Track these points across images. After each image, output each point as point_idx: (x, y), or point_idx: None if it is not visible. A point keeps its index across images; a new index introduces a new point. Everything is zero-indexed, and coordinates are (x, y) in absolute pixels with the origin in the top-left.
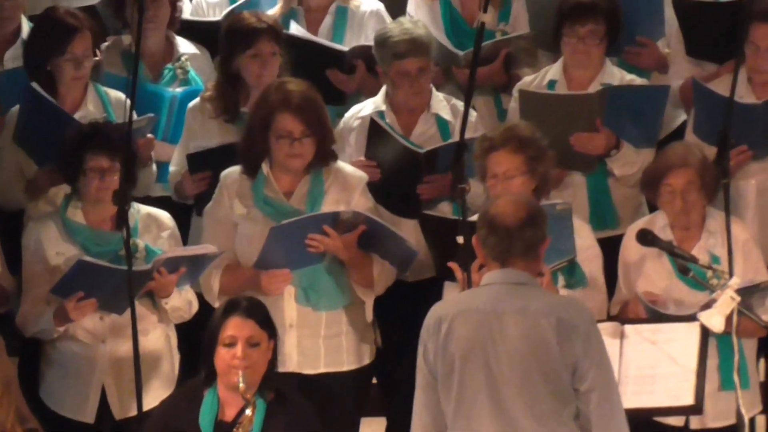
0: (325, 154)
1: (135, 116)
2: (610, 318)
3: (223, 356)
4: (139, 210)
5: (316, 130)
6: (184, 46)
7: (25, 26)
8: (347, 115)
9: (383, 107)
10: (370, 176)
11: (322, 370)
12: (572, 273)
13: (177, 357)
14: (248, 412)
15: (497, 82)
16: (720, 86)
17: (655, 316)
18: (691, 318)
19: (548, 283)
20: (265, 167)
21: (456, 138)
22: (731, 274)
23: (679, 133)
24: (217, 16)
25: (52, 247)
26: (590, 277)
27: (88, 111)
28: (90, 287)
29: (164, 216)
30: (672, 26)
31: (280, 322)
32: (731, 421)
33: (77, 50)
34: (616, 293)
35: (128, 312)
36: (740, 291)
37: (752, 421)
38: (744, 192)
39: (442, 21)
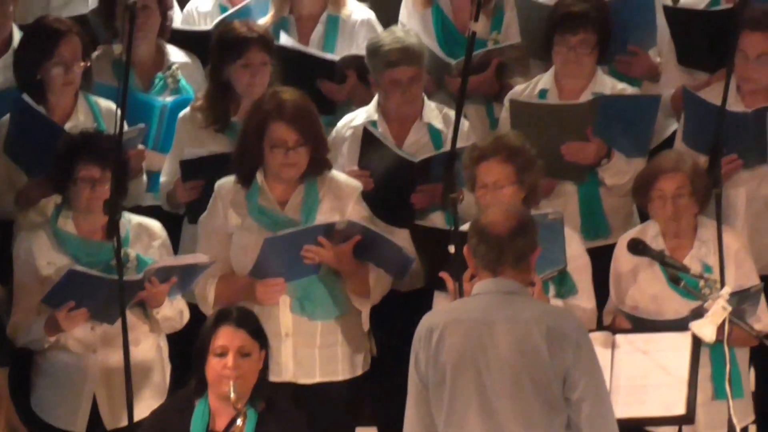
0: (319, 164)
1: (125, 126)
2: (601, 328)
3: (214, 366)
4: (130, 220)
5: (310, 139)
6: (175, 54)
7: (17, 35)
8: (339, 124)
9: (375, 116)
10: (364, 186)
11: (317, 379)
12: (563, 282)
13: (168, 367)
14: (239, 422)
15: (489, 91)
16: (710, 95)
17: (642, 323)
18: (680, 323)
19: (539, 292)
20: (259, 176)
21: (449, 147)
22: (723, 284)
23: (670, 142)
24: (208, 25)
25: (43, 257)
26: (579, 286)
27: (79, 121)
28: (81, 297)
29: (155, 225)
30: (664, 35)
31: (275, 331)
32: (723, 430)
33: (65, 53)
34: (608, 303)
35: (119, 322)
36: (732, 296)
37: (745, 430)
38: (734, 201)
39: (434, 30)
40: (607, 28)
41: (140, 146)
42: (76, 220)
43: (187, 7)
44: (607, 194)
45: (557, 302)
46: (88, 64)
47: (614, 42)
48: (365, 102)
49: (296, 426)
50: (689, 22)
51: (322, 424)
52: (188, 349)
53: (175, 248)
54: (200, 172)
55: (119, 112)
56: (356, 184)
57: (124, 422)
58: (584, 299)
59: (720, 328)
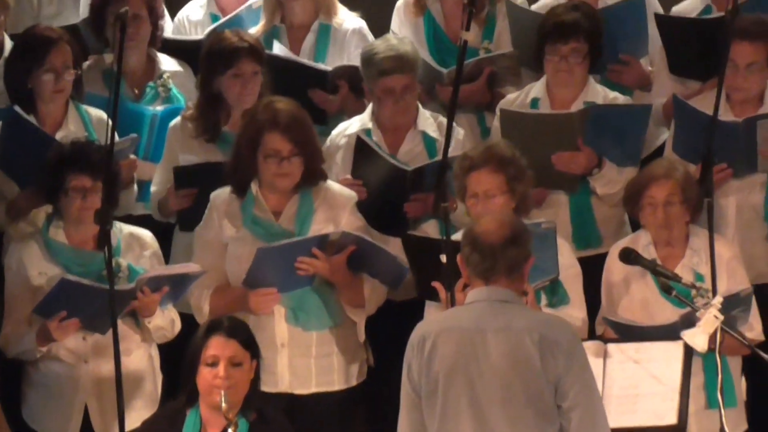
0: (313, 174)
1: (117, 136)
2: (593, 337)
3: (205, 376)
4: (122, 229)
5: (304, 149)
6: (167, 63)
7: (8, 44)
8: (334, 132)
9: (370, 125)
10: (357, 195)
11: (313, 389)
12: (554, 292)
13: (160, 377)
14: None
15: (480, 100)
16: (700, 103)
17: (629, 330)
18: (668, 329)
19: (532, 302)
20: (254, 187)
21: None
22: (715, 293)
23: (662, 152)
24: (199, 34)
25: (35, 267)
26: (571, 296)
27: (69, 130)
28: (73, 307)
29: (146, 235)
30: (655, 44)
31: (271, 341)
32: None
33: (56, 61)
34: (600, 313)
35: (111, 332)
36: (723, 302)
37: None
38: (724, 210)
39: (426, 39)
40: (598, 37)
41: (132, 156)
42: (67, 230)
43: (178, 16)
44: (599, 204)
45: (549, 312)
46: (79, 73)
47: (606, 51)
48: (357, 113)
49: None
50: (681, 30)
51: None
52: (180, 358)
53: (166, 258)
54: (193, 180)
55: (110, 122)
56: (351, 195)
57: None
58: (576, 309)
59: (712, 337)
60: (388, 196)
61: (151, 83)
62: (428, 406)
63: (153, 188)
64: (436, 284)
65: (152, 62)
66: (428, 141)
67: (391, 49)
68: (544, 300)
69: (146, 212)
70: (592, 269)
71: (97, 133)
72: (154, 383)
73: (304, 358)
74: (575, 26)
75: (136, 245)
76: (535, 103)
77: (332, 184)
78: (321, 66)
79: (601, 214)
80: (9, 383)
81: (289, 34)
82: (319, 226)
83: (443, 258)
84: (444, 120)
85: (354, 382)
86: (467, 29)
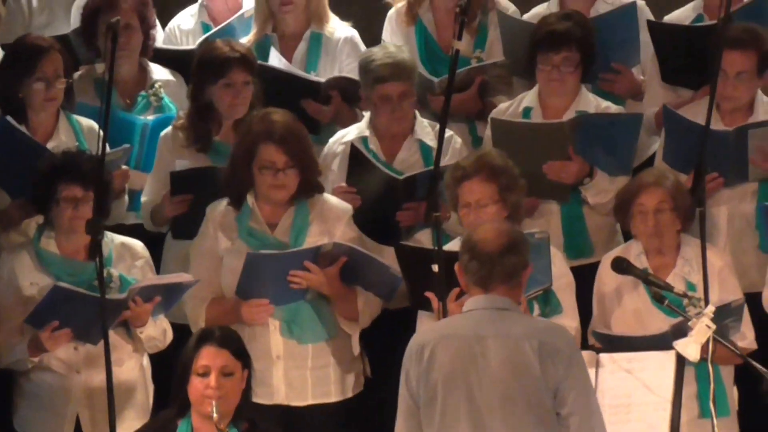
0: (309, 186)
1: (108, 146)
2: (585, 347)
3: (196, 386)
4: (113, 239)
5: (299, 161)
6: (158, 72)
7: None
8: (331, 140)
9: (367, 132)
10: (350, 203)
11: (309, 401)
12: (547, 301)
13: (151, 387)
14: None
15: (472, 109)
16: (690, 112)
17: (619, 340)
18: (659, 339)
19: (525, 311)
20: (250, 198)
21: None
22: (707, 302)
23: (653, 161)
24: (190, 43)
25: (26, 277)
26: (563, 305)
27: (60, 140)
28: (64, 317)
29: (138, 245)
30: (647, 52)
31: (266, 353)
32: None
33: (47, 70)
34: (591, 322)
35: (102, 342)
36: (715, 311)
37: None
38: (715, 219)
39: (417, 48)
40: (590, 46)
41: (124, 167)
42: (58, 240)
43: (170, 25)
44: (591, 213)
45: None
46: (70, 82)
47: (598, 60)
48: (349, 123)
49: None
50: (674, 37)
51: None
52: (172, 369)
53: (157, 268)
54: (190, 185)
55: (101, 132)
56: (347, 208)
57: None
58: (568, 318)
59: (704, 347)
60: (382, 204)
61: (142, 93)
62: (427, 414)
63: (144, 198)
64: (429, 294)
65: (143, 72)
66: (425, 149)
67: (389, 57)
68: (537, 310)
69: (138, 222)
70: (583, 279)
71: (88, 143)
72: (145, 393)
73: (300, 370)
74: (567, 35)
75: (128, 255)
76: (527, 112)
77: (329, 197)
78: (314, 77)
79: (592, 224)
80: (0, 394)
81: (281, 43)
82: (314, 238)
83: (435, 268)
84: None
85: (350, 394)
86: (459, 38)
